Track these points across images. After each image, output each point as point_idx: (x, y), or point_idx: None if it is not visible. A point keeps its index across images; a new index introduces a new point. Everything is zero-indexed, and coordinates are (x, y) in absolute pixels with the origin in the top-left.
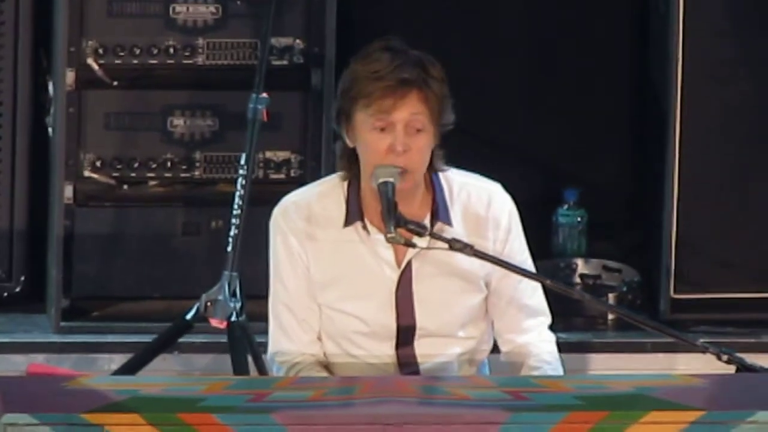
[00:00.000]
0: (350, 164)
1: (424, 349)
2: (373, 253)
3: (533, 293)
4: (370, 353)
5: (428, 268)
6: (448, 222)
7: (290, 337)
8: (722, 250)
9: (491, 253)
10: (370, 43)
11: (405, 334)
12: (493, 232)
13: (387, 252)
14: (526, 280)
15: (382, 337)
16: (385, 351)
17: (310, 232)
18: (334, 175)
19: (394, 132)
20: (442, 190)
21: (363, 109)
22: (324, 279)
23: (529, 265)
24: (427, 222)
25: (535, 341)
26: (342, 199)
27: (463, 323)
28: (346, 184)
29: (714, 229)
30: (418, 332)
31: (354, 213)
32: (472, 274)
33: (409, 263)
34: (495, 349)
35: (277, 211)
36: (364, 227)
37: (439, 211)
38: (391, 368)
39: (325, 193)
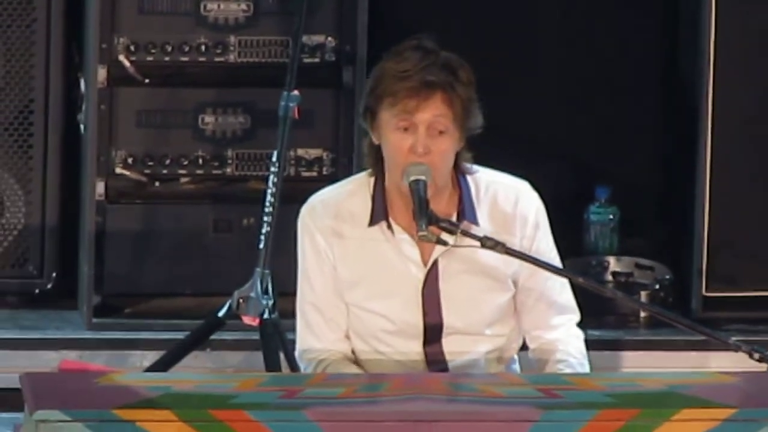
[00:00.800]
0: (376, 161)
1: (452, 347)
2: (398, 252)
3: (562, 290)
4: (398, 351)
5: (455, 266)
6: (475, 221)
7: (317, 335)
8: (754, 247)
9: (516, 248)
10: (402, 40)
11: (432, 332)
12: (521, 230)
13: (413, 250)
14: (554, 277)
15: (409, 335)
16: (413, 348)
17: (337, 231)
18: (362, 173)
19: (417, 133)
20: (468, 189)
21: (388, 108)
22: (350, 278)
23: (556, 263)
24: (453, 220)
25: (564, 337)
26: (368, 198)
27: (490, 321)
28: (372, 181)
29: (746, 227)
30: (445, 330)
31: (379, 212)
32: (499, 272)
33: (435, 261)
34: (525, 346)
35: (304, 210)
36: (389, 227)
37: (465, 210)
38: (420, 365)
39: (353, 192)
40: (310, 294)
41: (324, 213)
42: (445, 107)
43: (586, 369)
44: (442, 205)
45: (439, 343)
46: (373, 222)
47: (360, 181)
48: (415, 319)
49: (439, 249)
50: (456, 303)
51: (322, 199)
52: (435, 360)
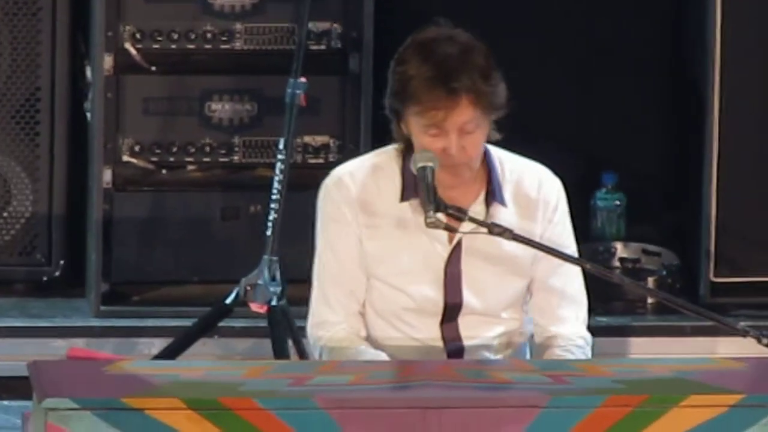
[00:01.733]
0: (406, 141)
1: (467, 327)
2: (426, 229)
3: (572, 280)
4: (415, 328)
5: (478, 247)
6: (503, 202)
7: (334, 308)
8: (762, 233)
9: (538, 234)
10: (408, 26)
11: (451, 310)
12: (543, 213)
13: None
14: (566, 266)
15: (429, 312)
16: (430, 326)
17: (364, 204)
18: (388, 147)
19: (448, 137)
20: (495, 168)
21: (414, 114)
22: (376, 252)
23: (572, 251)
24: (482, 200)
25: (568, 335)
26: (397, 173)
27: (507, 304)
28: (401, 158)
29: (753, 212)
30: (463, 309)
31: (410, 188)
32: (521, 256)
33: (459, 241)
34: None
35: (329, 181)
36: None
37: (495, 190)
38: (437, 343)
39: (380, 166)
40: (332, 264)
41: (351, 185)
42: (472, 110)
43: None
44: (471, 187)
45: (455, 323)
46: (404, 197)
47: (388, 155)
48: (437, 296)
49: (464, 228)
50: (476, 283)
51: (350, 170)
52: (451, 339)
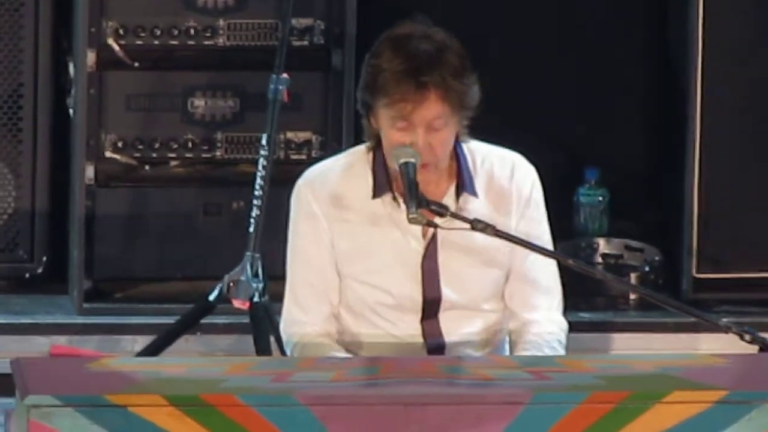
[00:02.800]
0: (376, 138)
1: (448, 322)
2: (399, 225)
3: (545, 269)
4: (395, 325)
5: (453, 240)
6: (474, 193)
7: (304, 308)
8: (744, 228)
9: (513, 226)
10: (392, 22)
11: (430, 306)
12: (516, 204)
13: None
14: (536, 255)
15: (408, 309)
16: (410, 323)
17: (336, 203)
18: (357, 147)
19: (415, 132)
20: (466, 160)
21: (383, 107)
22: (350, 250)
23: (546, 240)
24: (452, 193)
25: (541, 320)
26: (368, 171)
27: (487, 296)
28: (371, 156)
29: (736, 208)
30: (443, 304)
31: (382, 185)
32: (497, 246)
33: (434, 235)
34: None
35: (301, 182)
36: (394, 198)
37: (465, 182)
38: (417, 340)
39: (351, 164)
40: (302, 266)
41: (322, 185)
42: (440, 105)
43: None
44: (442, 177)
45: (436, 319)
46: (376, 194)
47: (357, 154)
48: (415, 292)
49: (443, 224)
50: (454, 276)
51: (321, 171)
52: (431, 335)
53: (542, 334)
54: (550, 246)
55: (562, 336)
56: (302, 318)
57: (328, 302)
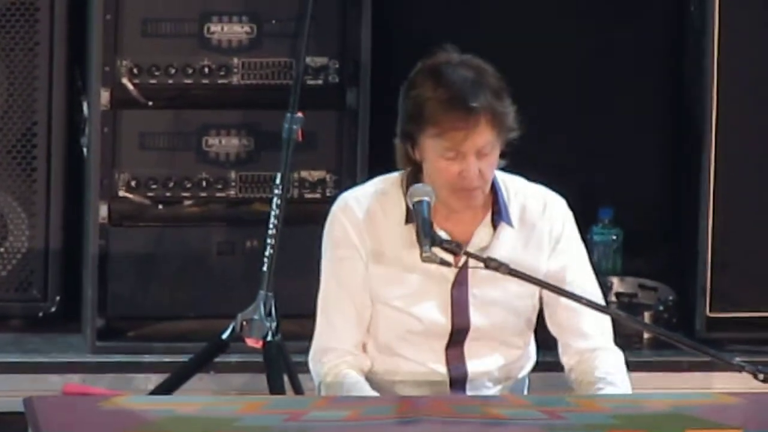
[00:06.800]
0: (412, 164)
1: (472, 351)
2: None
3: (587, 292)
4: (420, 352)
5: (484, 270)
6: (510, 222)
7: (338, 335)
8: (758, 268)
9: (544, 258)
10: (406, 62)
11: (458, 333)
12: (548, 237)
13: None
14: (579, 280)
15: (435, 335)
16: (435, 349)
17: (369, 229)
18: (392, 174)
19: (466, 160)
20: (500, 190)
21: (432, 137)
22: (382, 275)
23: (585, 270)
24: (488, 221)
25: (599, 349)
26: (402, 197)
27: (513, 330)
28: (405, 183)
29: (750, 248)
30: (470, 333)
31: None
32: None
33: (465, 263)
34: (535, 368)
35: (336, 207)
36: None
37: (501, 211)
38: (440, 368)
39: (385, 191)
40: (337, 292)
41: (357, 210)
42: (490, 131)
43: (628, 387)
44: (477, 210)
45: (461, 346)
46: (409, 220)
47: (391, 180)
48: (444, 320)
49: (462, 261)
50: (483, 306)
51: (356, 196)
52: (455, 363)
53: (608, 368)
54: (591, 274)
55: (624, 371)
56: (336, 344)
57: (361, 329)
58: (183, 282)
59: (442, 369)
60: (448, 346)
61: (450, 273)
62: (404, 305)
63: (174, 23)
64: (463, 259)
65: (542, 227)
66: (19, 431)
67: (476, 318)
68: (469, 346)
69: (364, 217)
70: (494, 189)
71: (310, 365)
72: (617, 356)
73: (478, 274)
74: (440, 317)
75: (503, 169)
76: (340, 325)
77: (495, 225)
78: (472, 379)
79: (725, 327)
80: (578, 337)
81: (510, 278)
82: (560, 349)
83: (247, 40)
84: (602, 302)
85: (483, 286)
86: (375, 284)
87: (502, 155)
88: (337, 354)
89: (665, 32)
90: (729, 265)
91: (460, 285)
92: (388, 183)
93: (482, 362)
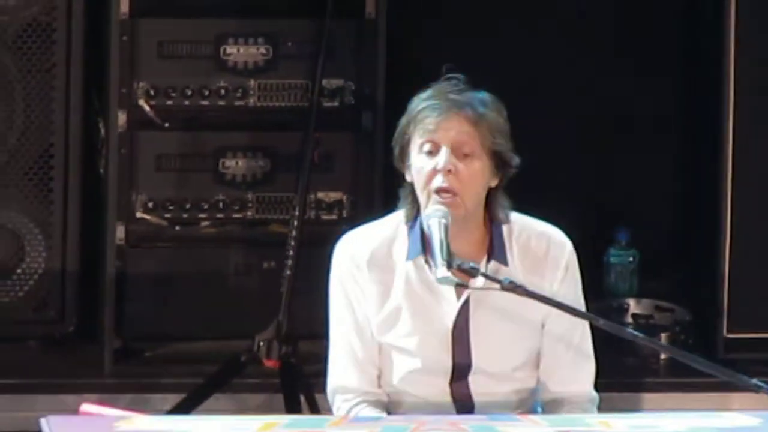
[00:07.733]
0: (411, 201)
1: (478, 385)
2: (431, 288)
3: (583, 339)
4: (424, 389)
5: (486, 305)
6: (504, 261)
7: (349, 374)
8: None
9: (547, 293)
10: (422, 83)
11: (460, 370)
12: (551, 273)
13: (446, 287)
14: (576, 325)
15: (437, 372)
16: (439, 386)
17: (372, 267)
18: (396, 212)
19: (440, 152)
20: (501, 233)
21: (414, 136)
22: (385, 315)
23: (574, 322)
24: (483, 263)
25: (574, 397)
26: (404, 236)
27: (517, 364)
28: (407, 220)
29: (766, 268)
30: (473, 369)
31: (416, 248)
32: (530, 316)
33: (467, 299)
34: None
35: (339, 247)
36: (427, 261)
37: (495, 250)
38: (446, 400)
39: (388, 229)
40: (346, 330)
41: (363, 248)
42: (468, 126)
43: None
44: (472, 246)
45: (465, 381)
46: (410, 256)
47: (394, 219)
48: (445, 357)
49: (474, 285)
50: (485, 344)
51: (360, 234)
52: (460, 397)
53: (580, 405)
54: (583, 324)
55: (594, 411)
56: (348, 383)
57: (372, 364)
58: (200, 303)
59: (447, 401)
60: (452, 382)
61: (451, 310)
62: (405, 344)
63: (190, 45)
64: (465, 295)
65: (545, 262)
66: None
67: (478, 355)
68: (474, 380)
69: (366, 255)
70: (491, 232)
71: (329, 400)
72: (592, 402)
73: (479, 311)
74: (441, 355)
75: (516, 199)
76: (349, 364)
77: (487, 264)
78: (480, 410)
79: (742, 347)
80: (562, 381)
81: (512, 316)
82: (540, 386)
83: (263, 61)
84: (589, 341)
85: (485, 322)
86: (379, 324)
87: (510, 195)
88: (351, 396)
89: (679, 50)
90: (745, 285)
91: (461, 322)
92: (392, 221)
93: (490, 395)
